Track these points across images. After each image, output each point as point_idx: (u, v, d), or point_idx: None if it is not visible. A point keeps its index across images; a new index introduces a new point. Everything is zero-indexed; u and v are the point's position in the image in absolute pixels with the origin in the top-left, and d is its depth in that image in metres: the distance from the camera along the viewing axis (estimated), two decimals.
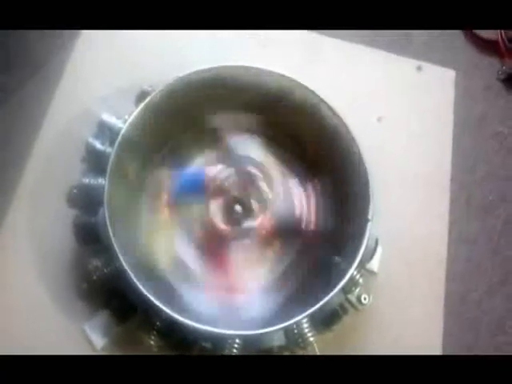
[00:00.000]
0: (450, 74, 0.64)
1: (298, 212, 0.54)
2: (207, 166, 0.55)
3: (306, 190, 0.55)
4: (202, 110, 0.55)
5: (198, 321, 0.43)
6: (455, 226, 0.63)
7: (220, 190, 0.54)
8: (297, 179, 0.56)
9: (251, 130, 0.56)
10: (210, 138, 0.56)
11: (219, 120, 0.56)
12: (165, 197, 0.53)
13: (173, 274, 0.51)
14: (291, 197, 0.55)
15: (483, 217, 0.89)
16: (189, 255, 0.52)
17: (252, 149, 0.56)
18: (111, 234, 0.44)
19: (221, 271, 0.51)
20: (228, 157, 0.55)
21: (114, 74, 0.59)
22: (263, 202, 0.54)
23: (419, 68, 0.64)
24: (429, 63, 0.65)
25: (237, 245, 0.53)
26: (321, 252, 0.52)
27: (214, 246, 0.52)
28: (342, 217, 0.52)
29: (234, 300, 0.50)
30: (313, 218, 0.54)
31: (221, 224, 0.53)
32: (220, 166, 0.55)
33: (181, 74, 0.51)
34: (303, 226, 0.54)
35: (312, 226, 0.54)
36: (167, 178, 0.54)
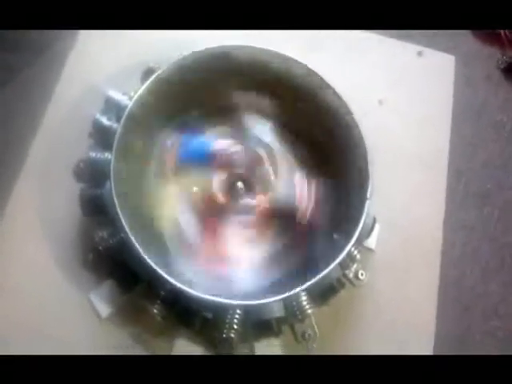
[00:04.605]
0: (450, 59, 0.65)
1: (298, 198, 0.55)
2: (216, 140, 0.56)
3: (309, 176, 0.56)
4: (210, 88, 0.55)
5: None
6: (452, 212, 0.64)
7: (225, 165, 0.55)
8: (302, 167, 0.56)
9: (262, 111, 0.57)
10: (220, 115, 0.56)
11: (230, 98, 0.56)
12: (170, 166, 0.54)
13: (173, 244, 0.52)
14: (293, 183, 0.55)
15: (480, 204, 0.91)
16: (190, 226, 0.53)
17: (263, 131, 0.56)
18: (117, 206, 0.45)
19: (217, 243, 0.52)
20: (239, 133, 0.56)
21: (120, 52, 0.60)
22: (265, 183, 0.55)
23: (420, 53, 0.65)
24: (430, 49, 0.66)
25: (236, 220, 0.54)
26: (320, 230, 0.53)
27: (213, 219, 0.53)
28: (342, 195, 0.53)
29: (228, 273, 0.51)
30: (312, 204, 0.55)
31: (221, 197, 0.54)
32: (229, 141, 0.56)
33: (186, 53, 0.51)
34: (302, 212, 0.54)
35: (310, 212, 0.54)
36: (174, 147, 0.54)
